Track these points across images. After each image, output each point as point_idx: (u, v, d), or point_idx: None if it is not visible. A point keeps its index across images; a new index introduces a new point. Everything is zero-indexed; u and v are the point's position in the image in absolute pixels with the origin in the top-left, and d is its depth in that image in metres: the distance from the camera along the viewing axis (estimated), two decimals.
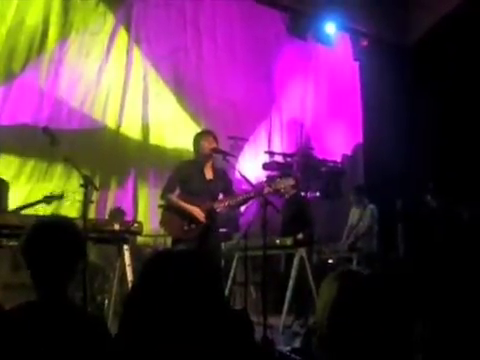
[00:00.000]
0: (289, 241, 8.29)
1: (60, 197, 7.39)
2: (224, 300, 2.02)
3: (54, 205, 8.61)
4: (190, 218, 6.78)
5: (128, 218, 9.11)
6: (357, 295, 2.09)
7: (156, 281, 1.92)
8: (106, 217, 9.15)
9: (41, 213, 7.07)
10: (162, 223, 7.06)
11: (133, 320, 1.91)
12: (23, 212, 7.04)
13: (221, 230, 7.75)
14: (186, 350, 1.82)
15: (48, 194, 7.33)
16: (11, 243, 6.77)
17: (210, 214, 6.79)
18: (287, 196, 9.07)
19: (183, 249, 2.08)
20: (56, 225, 2.92)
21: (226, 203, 6.87)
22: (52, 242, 2.82)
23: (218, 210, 6.82)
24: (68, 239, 2.87)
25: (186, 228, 6.76)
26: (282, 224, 9.07)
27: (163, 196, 7.02)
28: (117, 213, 9.27)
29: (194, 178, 6.93)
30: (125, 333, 1.92)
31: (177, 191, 7.02)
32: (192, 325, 1.84)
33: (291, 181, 7.12)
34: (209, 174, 7.03)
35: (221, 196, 7.02)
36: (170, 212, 6.90)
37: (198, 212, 6.76)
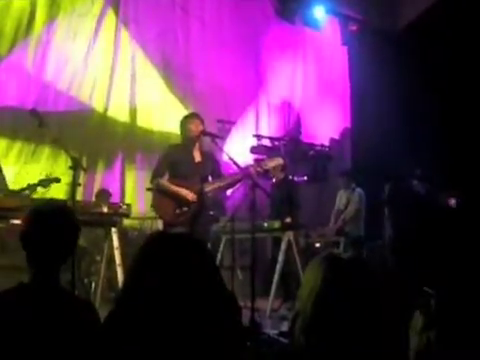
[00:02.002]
0: (277, 224, 8.31)
1: (57, 180, 7.32)
2: (222, 283, 2.02)
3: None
4: (181, 201, 6.76)
5: (115, 201, 9.09)
6: (342, 280, 2.08)
7: (153, 263, 1.91)
8: (93, 199, 9.13)
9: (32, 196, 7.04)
10: (153, 207, 7.04)
11: (129, 302, 1.91)
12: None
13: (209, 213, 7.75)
14: (177, 333, 1.83)
15: (44, 177, 7.28)
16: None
17: (201, 196, 6.78)
18: (276, 179, 9.09)
19: (180, 232, 2.09)
20: (56, 211, 2.95)
21: (216, 185, 6.87)
22: (52, 228, 2.85)
23: (207, 191, 6.81)
24: (66, 225, 2.90)
25: (178, 212, 6.74)
26: (271, 207, 9.07)
27: (152, 181, 6.99)
28: (103, 194, 9.26)
29: (183, 161, 6.91)
30: (120, 316, 1.92)
31: (166, 175, 7.01)
32: (188, 307, 1.84)
33: (280, 160, 7.11)
34: (197, 157, 7.01)
35: (210, 178, 7.01)
36: (161, 196, 6.87)
37: (189, 194, 6.75)
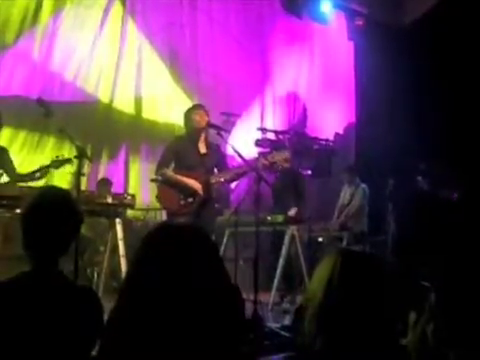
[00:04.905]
0: (280, 218, 8.31)
1: (69, 161, 7.24)
2: (225, 274, 2.02)
3: (46, 176, 8.58)
4: (187, 192, 6.77)
5: (119, 191, 9.08)
6: (354, 272, 2.09)
7: (156, 254, 1.91)
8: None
9: (33, 185, 7.00)
10: (158, 198, 7.04)
11: (133, 293, 1.91)
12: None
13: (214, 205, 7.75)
14: (180, 325, 1.83)
15: (55, 158, 7.20)
16: (3, 214, 6.74)
17: (206, 187, 6.79)
18: (280, 168, 9.05)
19: (183, 222, 2.08)
20: (58, 198, 2.92)
21: (221, 177, 6.87)
22: (54, 215, 2.81)
23: (213, 182, 6.81)
24: (68, 213, 2.87)
25: (183, 202, 6.75)
26: (273, 196, 9.02)
27: (158, 171, 6.99)
28: (105, 183, 9.27)
29: (188, 152, 6.92)
30: (124, 305, 1.92)
31: (172, 166, 7.01)
32: (191, 299, 1.84)
33: (286, 154, 7.09)
34: (203, 148, 7.02)
35: (216, 171, 7.02)
36: (166, 186, 6.88)
37: (196, 184, 6.75)
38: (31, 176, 7.06)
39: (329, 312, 2.03)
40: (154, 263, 1.89)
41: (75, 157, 5.53)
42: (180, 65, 11.00)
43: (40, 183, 7.52)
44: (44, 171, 7.08)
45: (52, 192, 3.04)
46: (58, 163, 7.13)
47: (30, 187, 6.43)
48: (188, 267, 1.87)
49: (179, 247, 1.91)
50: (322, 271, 2.12)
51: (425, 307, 2.43)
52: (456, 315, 2.30)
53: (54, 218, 2.80)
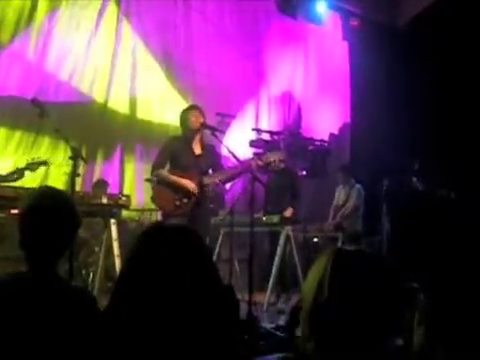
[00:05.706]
0: (276, 219, 8.31)
1: (44, 163, 7.22)
2: (217, 276, 2.02)
3: (41, 176, 8.57)
4: (182, 192, 6.78)
5: (114, 192, 9.07)
6: (348, 272, 2.09)
7: (150, 255, 1.92)
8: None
9: (28, 185, 6.98)
10: (153, 198, 7.05)
11: (125, 294, 1.91)
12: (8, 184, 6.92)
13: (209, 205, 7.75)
14: (174, 326, 1.83)
15: (31, 160, 7.15)
16: None
17: (201, 187, 6.80)
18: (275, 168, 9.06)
19: (177, 224, 2.09)
20: (58, 199, 2.91)
21: (215, 178, 6.88)
22: (53, 216, 2.80)
23: (207, 184, 6.82)
24: (68, 214, 2.87)
25: (178, 203, 6.76)
26: (265, 196, 8.99)
27: (153, 171, 7.00)
28: (101, 184, 9.25)
29: (183, 153, 6.93)
30: (117, 306, 1.92)
31: (167, 167, 7.03)
32: (185, 301, 1.85)
33: (280, 155, 7.09)
34: (198, 149, 7.03)
35: (210, 171, 7.03)
36: (161, 187, 6.89)
37: (190, 184, 6.76)
38: (7, 177, 7.01)
39: (320, 312, 2.04)
40: (147, 263, 1.90)
41: (70, 158, 5.52)
42: (175, 66, 11.00)
43: (36, 183, 7.50)
44: (20, 173, 7.03)
45: (51, 193, 3.03)
46: (34, 165, 7.10)
47: (26, 188, 6.41)
48: (181, 267, 1.88)
49: (172, 247, 1.92)
50: (314, 271, 2.13)
51: (417, 308, 2.43)
52: (447, 317, 2.30)
53: (53, 219, 2.79)
